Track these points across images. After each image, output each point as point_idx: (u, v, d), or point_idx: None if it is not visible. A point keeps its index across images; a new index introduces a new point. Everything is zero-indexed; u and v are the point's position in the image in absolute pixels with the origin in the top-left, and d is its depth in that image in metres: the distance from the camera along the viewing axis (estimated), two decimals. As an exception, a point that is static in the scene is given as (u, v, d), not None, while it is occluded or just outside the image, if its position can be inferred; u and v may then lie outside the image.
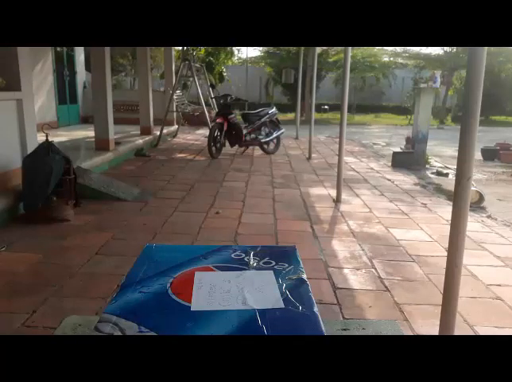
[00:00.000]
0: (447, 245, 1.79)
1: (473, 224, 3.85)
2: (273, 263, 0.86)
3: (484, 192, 4.94)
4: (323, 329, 0.65)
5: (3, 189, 3.76)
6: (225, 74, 18.19)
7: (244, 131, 7.48)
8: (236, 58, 22.52)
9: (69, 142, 7.25)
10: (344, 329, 0.91)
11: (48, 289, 2.42)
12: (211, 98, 9.72)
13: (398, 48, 19.88)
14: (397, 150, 8.02)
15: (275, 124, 7.96)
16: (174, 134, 10.26)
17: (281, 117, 10.70)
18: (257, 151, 8.07)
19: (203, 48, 16.32)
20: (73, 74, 10.89)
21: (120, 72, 18.08)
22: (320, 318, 0.68)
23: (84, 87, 11.41)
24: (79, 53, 11.18)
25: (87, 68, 10.96)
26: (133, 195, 4.54)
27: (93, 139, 6.49)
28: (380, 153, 8.95)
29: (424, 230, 3.74)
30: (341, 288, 2.56)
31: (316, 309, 0.70)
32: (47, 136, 3.67)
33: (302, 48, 10.41)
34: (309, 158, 7.71)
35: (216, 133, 7.21)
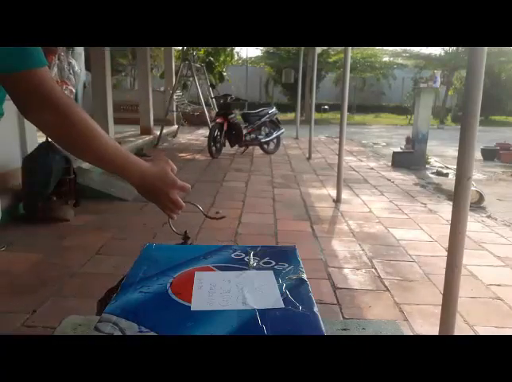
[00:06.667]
0: (447, 245, 1.79)
1: (473, 224, 3.85)
2: (273, 262, 0.86)
3: (484, 192, 4.94)
4: (323, 329, 0.65)
5: (3, 189, 3.76)
6: (225, 74, 18.17)
7: (244, 131, 7.49)
8: (236, 58, 22.51)
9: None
10: (344, 329, 0.91)
11: (48, 289, 2.42)
12: (211, 98, 9.73)
13: (398, 48, 19.90)
14: (397, 149, 8.02)
15: (275, 124, 7.97)
16: (174, 134, 10.26)
17: (281, 117, 10.70)
18: (258, 151, 8.07)
19: (203, 48, 16.31)
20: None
21: (120, 72, 18.07)
22: (320, 318, 0.68)
23: (84, 87, 11.40)
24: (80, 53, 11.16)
25: (87, 67, 10.94)
26: (134, 195, 4.53)
27: (93, 139, 6.48)
28: (380, 153, 8.96)
29: (424, 230, 3.74)
30: (341, 288, 2.56)
31: (316, 309, 0.70)
32: (47, 136, 3.67)
33: (302, 48, 10.41)
34: (309, 158, 7.71)
35: (216, 133, 7.21)
